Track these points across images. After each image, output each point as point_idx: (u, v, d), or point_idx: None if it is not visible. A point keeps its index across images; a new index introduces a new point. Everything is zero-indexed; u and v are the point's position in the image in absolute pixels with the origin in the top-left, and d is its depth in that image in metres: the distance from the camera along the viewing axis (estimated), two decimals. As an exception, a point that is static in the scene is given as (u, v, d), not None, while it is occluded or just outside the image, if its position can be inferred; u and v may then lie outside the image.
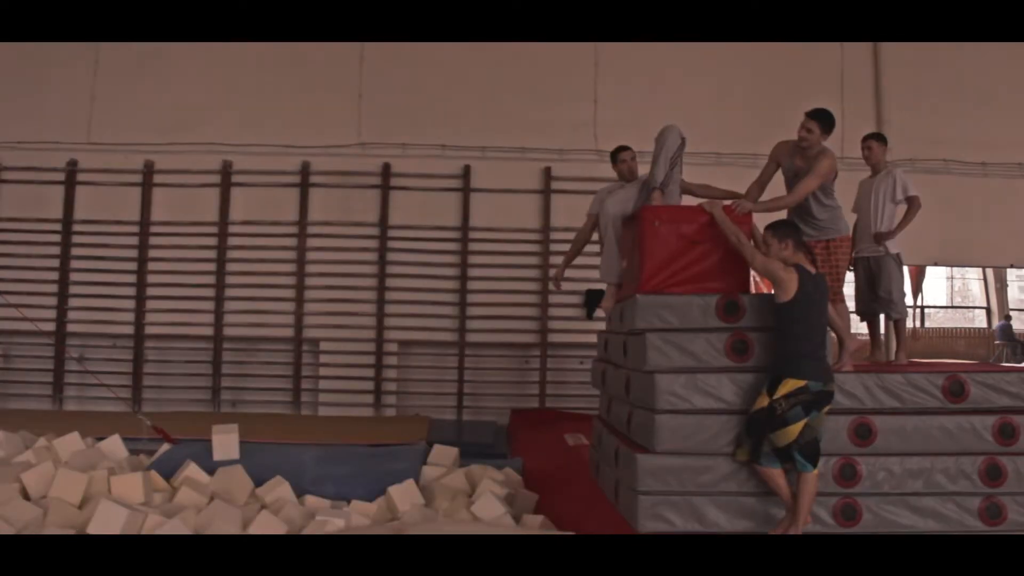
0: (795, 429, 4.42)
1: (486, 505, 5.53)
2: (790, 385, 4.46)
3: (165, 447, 6.51)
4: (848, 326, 5.52)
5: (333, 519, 5.15)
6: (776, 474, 4.51)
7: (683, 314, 4.85)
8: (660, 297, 4.92)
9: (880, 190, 6.31)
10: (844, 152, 10.18)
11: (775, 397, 4.47)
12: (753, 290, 5.73)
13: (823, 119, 5.52)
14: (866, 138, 6.65)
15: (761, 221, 5.21)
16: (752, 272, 5.15)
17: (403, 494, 5.62)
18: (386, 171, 10.18)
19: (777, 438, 4.45)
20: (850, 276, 6.21)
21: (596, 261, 9.81)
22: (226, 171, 10.12)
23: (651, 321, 4.86)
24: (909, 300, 17.61)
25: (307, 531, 5.05)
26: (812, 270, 4.71)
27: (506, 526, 5.30)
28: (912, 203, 6.24)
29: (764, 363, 4.73)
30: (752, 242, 5.06)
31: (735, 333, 4.79)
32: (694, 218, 5.06)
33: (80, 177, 10.08)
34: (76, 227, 10.02)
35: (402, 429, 8.51)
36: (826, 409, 4.55)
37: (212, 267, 10.02)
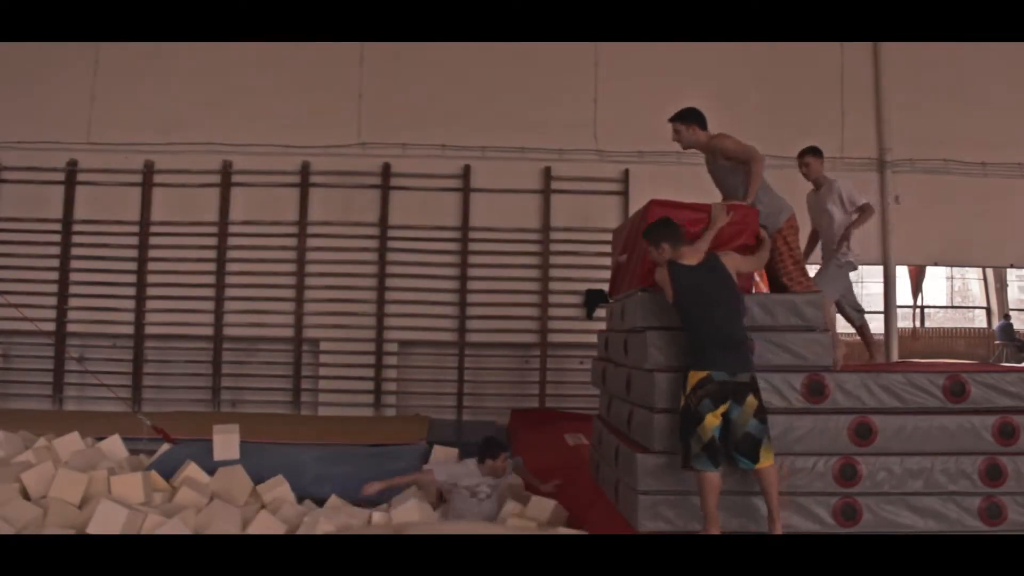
0: (709, 424, 4.39)
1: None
2: (693, 378, 4.47)
3: (165, 447, 6.51)
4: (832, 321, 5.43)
5: (324, 520, 5.10)
6: (706, 478, 4.40)
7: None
8: (662, 295, 4.91)
9: (827, 204, 6.17)
10: (844, 152, 10.28)
11: (686, 393, 4.49)
12: (754, 290, 5.71)
13: (681, 117, 5.47)
14: (802, 154, 6.34)
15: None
16: (754, 272, 5.13)
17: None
18: (386, 171, 10.18)
19: (698, 435, 4.42)
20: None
21: (596, 261, 9.88)
22: (226, 171, 10.12)
23: (650, 320, 4.86)
24: (908, 300, 17.72)
25: (300, 531, 5.02)
26: (692, 262, 4.62)
27: (510, 525, 5.31)
28: (864, 210, 6.09)
29: (763, 362, 4.74)
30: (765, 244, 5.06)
31: (734, 333, 4.78)
32: (703, 215, 5.04)
33: (80, 177, 10.08)
34: (76, 227, 10.02)
35: (402, 429, 8.51)
36: (751, 403, 4.46)
37: (212, 267, 10.02)
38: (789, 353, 4.82)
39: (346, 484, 5.83)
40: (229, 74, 10.19)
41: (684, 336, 4.67)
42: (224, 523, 4.90)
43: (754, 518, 4.62)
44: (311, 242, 10.11)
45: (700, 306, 4.55)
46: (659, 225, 4.77)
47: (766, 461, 4.44)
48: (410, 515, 5.21)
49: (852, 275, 6.22)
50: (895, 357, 10.12)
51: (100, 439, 6.42)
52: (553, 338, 10.10)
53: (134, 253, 9.99)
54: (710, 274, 4.64)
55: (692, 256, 4.67)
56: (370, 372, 10.01)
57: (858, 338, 6.62)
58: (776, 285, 5.45)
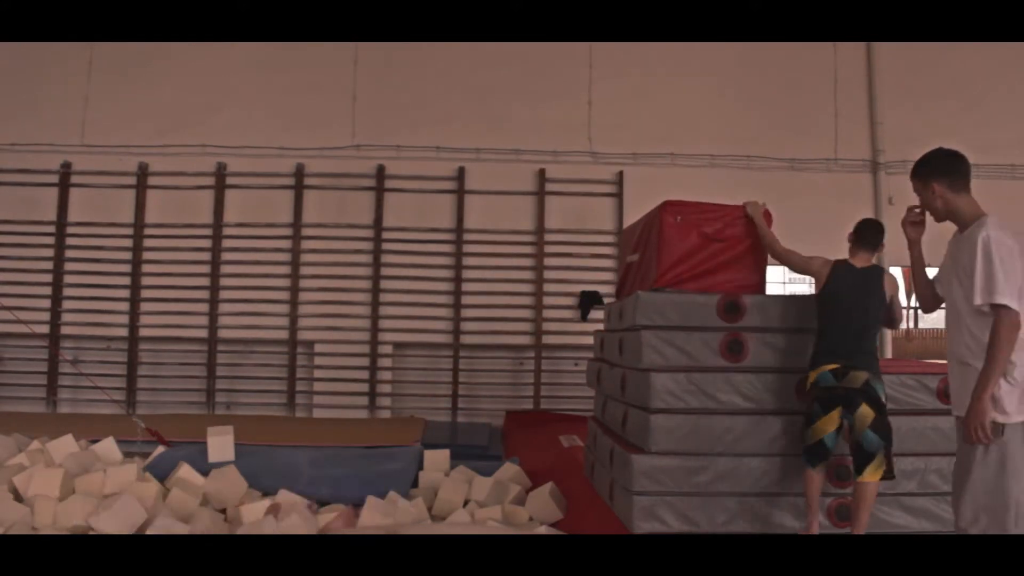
0: (821, 427, 4.47)
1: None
2: (808, 379, 4.56)
3: (160, 449, 6.49)
4: None
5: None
6: (809, 476, 4.52)
7: (684, 312, 4.84)
8: (663, 295, 4.91)
9: None
10: (838, 153, 10.31)
11: (807, 391, 4.59)
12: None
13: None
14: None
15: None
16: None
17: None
18: (380, 173, 10.17)
19: (806, 435, 4.55)
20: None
21: (590, 263, 9.89)
22: (220, 173, 10.11)
23: (651, 318, 4.85)
24: (903, 302, 17.77)
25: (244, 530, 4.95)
26: (859, 265, 4.67)
27: (515, 524, 5.33)
28: None
29: (760, 363, 4.74)
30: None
31: (730, 333, 4.78)
32: (715, 216, 5.05)
33: (74, 179, 10.05)
34: (70, 229, 9.99)
35: (397, 431, 8.51)
36: (864, 413, 4.45)
37: (206, 269, 10.00)
38: (783, 354, 4.83)
39: (341, 486, 5.83)
40: (223, 76, 10.18)
41: (816, 334, 4.68)
42: (217, 524, 4.90)
43: (761, 521, 4.64)
44: (305, 244, 10.10)
45: (844, 309, 4.57)
46: (864, 226, 4.78)
47: (870, 477, 4.42)
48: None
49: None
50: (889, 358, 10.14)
51: (94, 442, 6.39)
52: (548, 340, 10.10)
53: (128, 255, 9.97)
54: (868, 282, 4.65)
55: (861, 260, 4.70)
56: (365, 374, 10.00)
57: None
58: None
